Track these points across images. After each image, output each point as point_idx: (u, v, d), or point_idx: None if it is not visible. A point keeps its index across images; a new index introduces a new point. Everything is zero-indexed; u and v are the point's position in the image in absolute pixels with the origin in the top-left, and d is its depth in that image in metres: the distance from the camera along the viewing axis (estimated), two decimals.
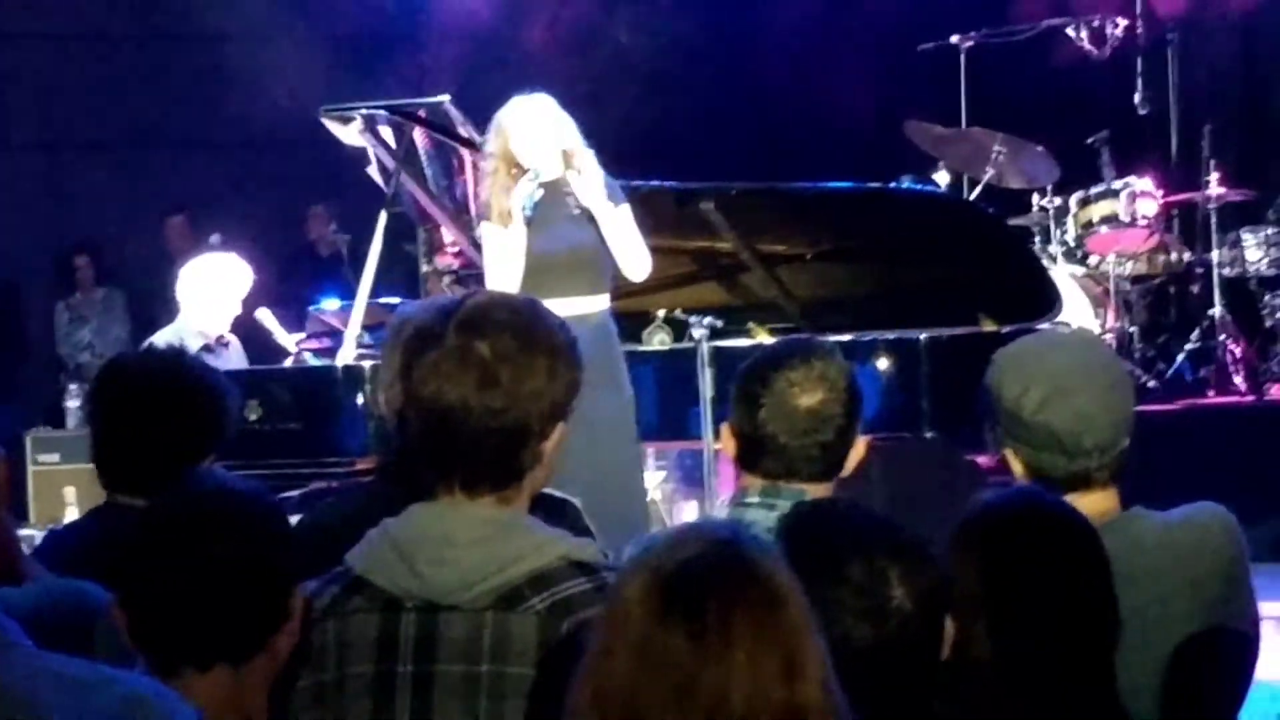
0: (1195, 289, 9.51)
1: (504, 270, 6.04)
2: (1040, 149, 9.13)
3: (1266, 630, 2.94)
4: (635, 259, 6.15)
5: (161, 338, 7.09)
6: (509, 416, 2.39)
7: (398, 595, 2.40)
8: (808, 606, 1.80)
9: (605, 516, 5.75)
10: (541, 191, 6.01)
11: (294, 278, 10.89)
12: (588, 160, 6.09)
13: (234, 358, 7.39)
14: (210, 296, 7.30)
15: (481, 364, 2.38)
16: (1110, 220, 9.05)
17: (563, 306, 5.86)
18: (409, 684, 2.38)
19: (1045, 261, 8.51)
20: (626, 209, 6.14)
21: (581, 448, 5.78)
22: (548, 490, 2.61)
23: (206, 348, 7.22)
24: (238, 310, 7.36)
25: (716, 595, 1.75)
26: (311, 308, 8.70)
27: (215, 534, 2.22)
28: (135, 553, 2.27)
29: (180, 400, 3.14)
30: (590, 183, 6.04)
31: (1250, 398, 8.93)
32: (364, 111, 7.12)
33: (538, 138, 6.05)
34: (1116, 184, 9.13)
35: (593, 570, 2.39)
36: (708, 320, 6.49)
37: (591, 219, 6.08)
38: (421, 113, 7.25)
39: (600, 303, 6.12)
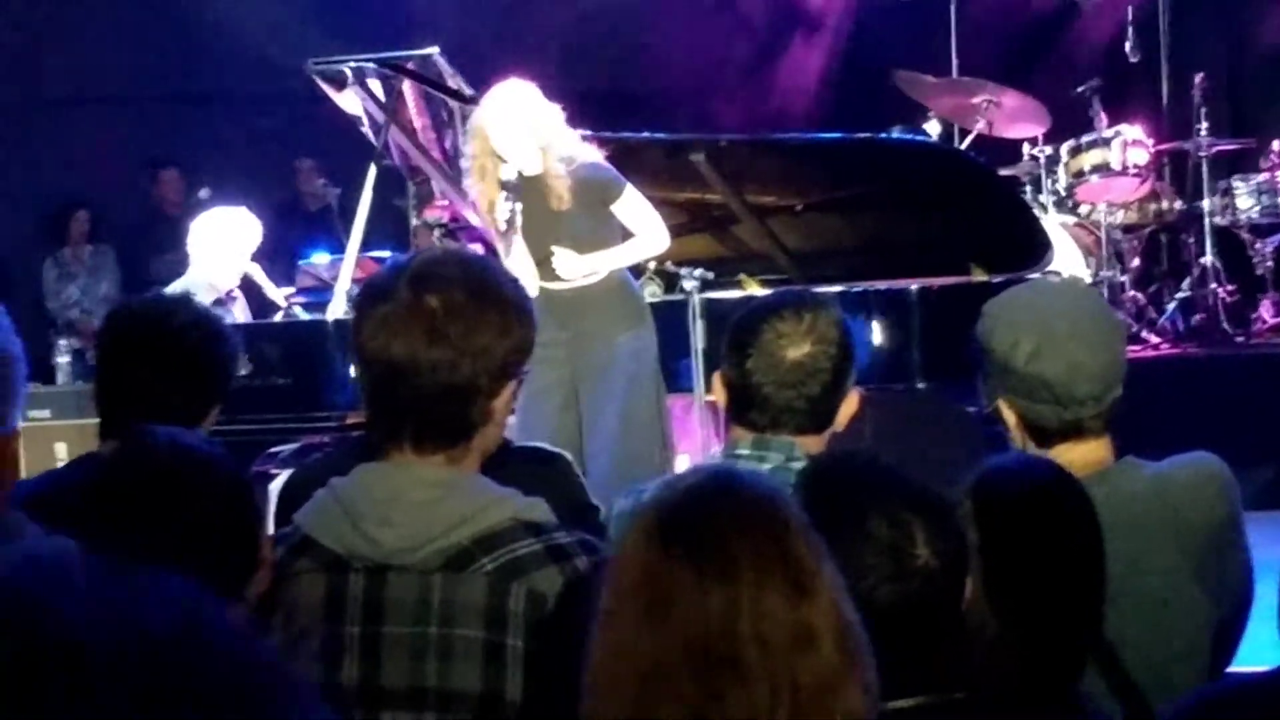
0: (1186, 237, 9.50)
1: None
2: (1031, 98, 9.09)
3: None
4: (649, 244, 6.15)
5: (172, 291, 7.08)
6: (458, 373, 2.34)
7: (345, 556, 2.36)
8: (812, 530, 1.77)
9: (625, 459, 5.89)
10: (519, 205, 5.95)
11: (282, 232, 10.83)
12: (559, 157, 5.94)
13: (239, 313, 7.38)
14: (222, 250, 7.27)
15: (430, 318, 2.33)
16: (1101, 169, 9.03)
17: (564, 286, 5.94)
18: (356, 645, 2.35)
19: (1036, 210, 8.50)
20: (627, 194, 6.08)
21: (602, 397, 5.95)
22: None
23: (218, 301, 7.20)
24: (248, 264, 7.33)
25: (714, 523, 1.73)
26: (301, 261, 8.67)
27: (181, 489, 2.22)
28: (102, 511, 2.26)
29: (187, 347, 3.10)
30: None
31: (1241, 345, 8.94)
32: (353, 65, 7.09)
33: (514, 140, 5.92)
34: (1108, 132, 9.11)
35: (542, 530, 2.36)
36: (699, 272, 6.45)
37: (575, 211, 6.00)
38: (411, 65, 7.21)
39: (602, 275, 6.08)
